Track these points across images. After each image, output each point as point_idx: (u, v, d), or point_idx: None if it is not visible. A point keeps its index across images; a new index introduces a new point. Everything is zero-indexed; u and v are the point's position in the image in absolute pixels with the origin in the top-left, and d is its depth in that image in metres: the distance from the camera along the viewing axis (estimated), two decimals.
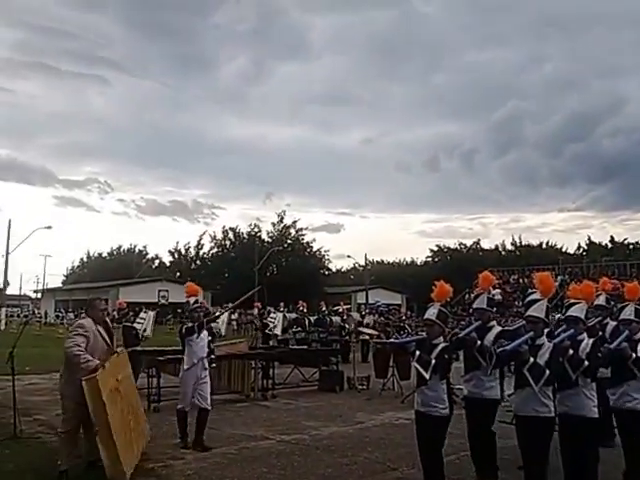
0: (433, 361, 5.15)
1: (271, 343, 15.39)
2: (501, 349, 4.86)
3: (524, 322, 6.64)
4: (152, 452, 7.11)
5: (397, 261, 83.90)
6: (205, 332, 7.77)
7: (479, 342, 5.85)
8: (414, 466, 6.41)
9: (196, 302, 8.07)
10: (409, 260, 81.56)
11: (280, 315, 15.96)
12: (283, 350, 13.53)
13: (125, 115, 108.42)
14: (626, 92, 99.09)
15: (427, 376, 5.16)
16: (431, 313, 5.46)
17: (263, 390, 11.42)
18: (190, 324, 7.74)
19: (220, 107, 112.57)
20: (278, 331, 15.36)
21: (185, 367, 7.56)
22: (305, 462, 6.80)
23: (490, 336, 5.93)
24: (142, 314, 12.60)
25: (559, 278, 36.48)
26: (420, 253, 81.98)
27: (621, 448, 6.06)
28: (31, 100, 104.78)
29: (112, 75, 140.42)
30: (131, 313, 13.39)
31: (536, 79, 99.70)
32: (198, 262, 66.78)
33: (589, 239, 71.71)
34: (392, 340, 5.62)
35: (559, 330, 5.82)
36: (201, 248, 67.01)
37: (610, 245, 68.34)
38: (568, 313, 5.49)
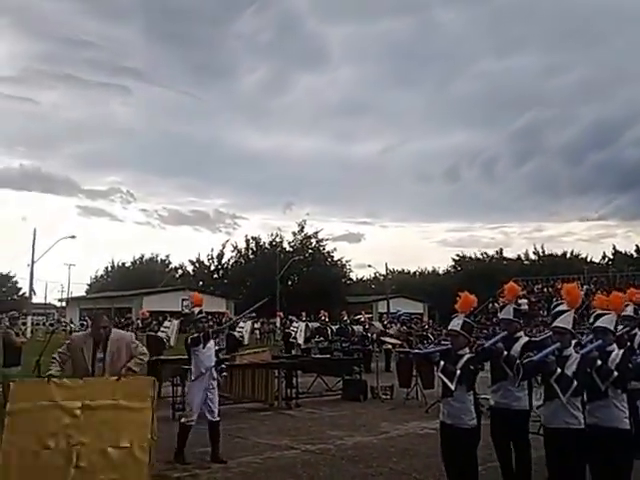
0: (458, 372, 5.15)
1: (293, 352, 15.41)
2: (528, 360, 4.82)
3: (550, 333, 6.62)
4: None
5: (418, 270, 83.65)
6: (212, 342, 7.67)
7: (506, 352, 5.82)
8: (440, 477, 6.38)
9: (200, 312, 7.97)
10: (430, 269, 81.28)
11: (302, 324, 16.00)
12: (306, 359, 13.57)
13: (147, 124, 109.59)
14: None
15: (452, 387, 5.15)
16: (455, 324, 5.46)
17: (287, 399, 11.45)
18: (195, 334, 7.61)
19: (241, 117, 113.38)
20: (301, 340, 15.39)
21: (192, 378, 7.44)
22: (331, 472, 6.80)
23: (517, 347, 5.88)
24: (166, 323, 12.67)
25: (584, 287, 35.98)
26: (441, 262, 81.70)
27: None
28: (55, 110, 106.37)
29: (134, 85, 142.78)
30: (154, 322, 13.51)
31: (557, 87, 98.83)
32: (221, 271, 67.09)
33: (614, 248, 70.81)
34: (416, 351, 5.61)
35: (586, 340, 5.77)
36: (222, 257, 67.34)
37: (636, 254, 67.25)
38: (597, 324, 5.43)
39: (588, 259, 69.81)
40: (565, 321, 5.03)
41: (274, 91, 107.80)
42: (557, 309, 6.10)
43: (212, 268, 68.26)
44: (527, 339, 6.06)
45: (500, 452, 6.05)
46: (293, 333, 15.64)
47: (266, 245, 63.73)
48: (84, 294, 75.50)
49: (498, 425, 5.99)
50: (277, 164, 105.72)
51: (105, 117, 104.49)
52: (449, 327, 5.60)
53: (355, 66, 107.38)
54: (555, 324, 5.05)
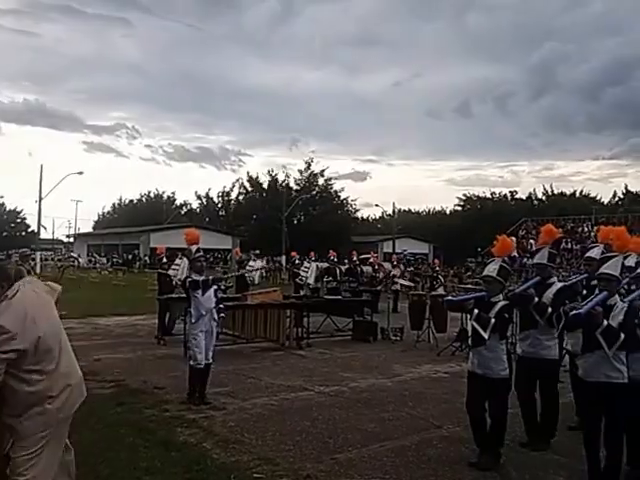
0: (493, 320, 4.90)
1: (302, 292, 15.28)
2: (575, 312, 4.50)
3: (580, 277, 6.32)
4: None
5: (425, 210, 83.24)
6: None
7: (537, 299, 5.55)
8: (459, 424, 6.26)
9: (198, 250, 7.57)
10: (438, 209, 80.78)
11: (314, 265, 15.82)
12: (317, 299, 13.43)
13: (151, 58, 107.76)
14: None
15: (486, 336, 4.92)
16: (491, 269, 5.18)
17: (298, 339, 11.34)
18: (194, 277, 7.30)
19: (247, 49, 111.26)
20: (311, 281, 15.24)
21: (192, 320, 7.21)
22: (347, 416, 6.67)
23: (549, 293, 5.60)
24: (177, 260, 12.45)
25: (595, 228, 35.74)
26: (449, 202, 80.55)
27: None
28: (57, 44, 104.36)
29: (137, 17, 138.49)
30: (164, 259, 13.23)
31: (575, 20, 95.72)
32: (227, 209, 66.89)
33: (625, 188, 69.74)
34: (449, 297, 5.36)
35: (619, 287, 5.47)
36: (230, 195, 67.07)
37: None
38: (639, 271, 5.14)
39: (597, 199, 69.16)
40: (613, 267, 4.69)
41: (282, 22, 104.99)
42: (591, 254, 5.86)
43: (220, 205, 68.10)
44: (561, 285, 5.75)
45: (523, 401, 5.86)
46: (303, 273, 15.48)
47: (271, 183, 63.18)
48: (91, 230, 75.79)
49: (524, 374, 5.77)
50: (283, 99, 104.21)
51: (108, 51, 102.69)
52: (484, 272, 5.32)
53: None
54: (602, 270, 4.71)
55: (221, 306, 7.66)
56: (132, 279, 33.37)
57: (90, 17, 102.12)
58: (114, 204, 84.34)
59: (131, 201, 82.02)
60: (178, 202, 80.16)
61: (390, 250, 53.84)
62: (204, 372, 7.15)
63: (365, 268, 19.31)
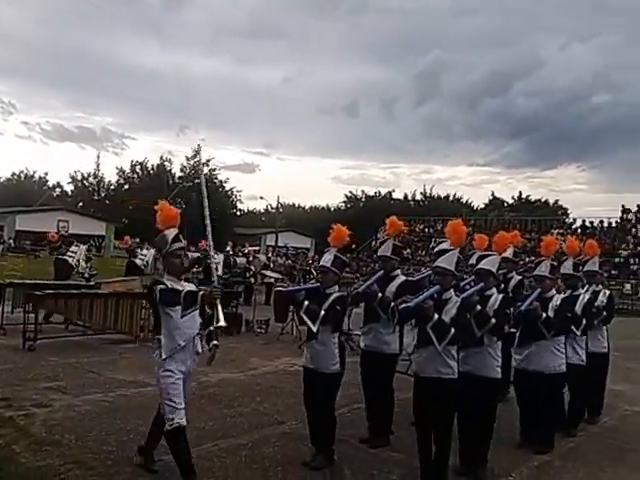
0: (322, 312, 4.64)
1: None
2: (404, 305, 4.33)
3: (428, 272, 6.27)
4: (17, 397, 6.34)
5: (311, 206, 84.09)
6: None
7: (380, 294, 5.39)
8: (303, 420, 5.98)
9: (177, 239, 4.75)
10: (323, 205, 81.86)
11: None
12: None
13: (34, 31, 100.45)
14: (546, 54, 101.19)
15: (314, 328, 4.67)
16: (326, 259, 4.91)
17: (154, 331, 10.67)
18: (171, 284, 4.43)
19: (139, 31, 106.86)
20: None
21: (164, 355, 4.41)
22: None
23: (392, 287, 5.46)
24: (73, 247, 12.41)
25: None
26: (334, 199, 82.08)
27: (516, 404, 5.97)
28: None
29: None
30: (64, 245, 12.85)
31: (461, 31, 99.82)
32: (102, 193, 63.80)
33: (493, 195, 73.84)
34: (280, 288, 5.13)
35: (465, 283, 5.45)
36: (103, 177, 63.89)
37: (513, 202, 70.39)
38: (480, 265, 5.08)
39: (470, 203, 72.88)
40: (447, 261, 4.57)
41: (175, 6, 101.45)
42: (439, 248, 5.78)
43: (93, 189, 64.76)
44: (403, 279, 5.63)
45: (367, 394, 5.74)
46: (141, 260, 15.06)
47: (154, 168, 61.01)
48: None
49: (367, 368, 5.65)
50: (173, 84, 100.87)
51: None
52: (320, 263, 5.07)
53: None
54: (436, 264, 4.60)
55: (211, 328, 4.56)
56: None
57: None
58: None
59: None
60: (51, 183, 75.67)
61: (273, 243, 53.76)
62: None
63: (239, 259, 18.91)
